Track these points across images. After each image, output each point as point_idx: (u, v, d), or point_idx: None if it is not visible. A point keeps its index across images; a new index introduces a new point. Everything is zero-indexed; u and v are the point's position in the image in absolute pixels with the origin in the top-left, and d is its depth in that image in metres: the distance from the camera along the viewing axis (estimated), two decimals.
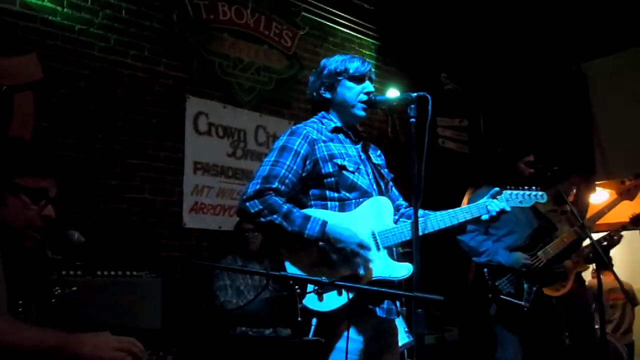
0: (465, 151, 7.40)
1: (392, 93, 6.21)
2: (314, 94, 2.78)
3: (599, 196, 6.26)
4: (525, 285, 3.98)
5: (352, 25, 6.47)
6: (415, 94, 2.48)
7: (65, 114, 4.31)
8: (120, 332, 1.76)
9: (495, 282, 4.02)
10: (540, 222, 4.24)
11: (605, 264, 4.05)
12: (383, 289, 2.40)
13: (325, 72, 2.74)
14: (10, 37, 4.11)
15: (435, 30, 6.91)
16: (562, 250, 4.18)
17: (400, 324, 4.21)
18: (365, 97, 2.68)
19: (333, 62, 2.74)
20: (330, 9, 6.22)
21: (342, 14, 6.34)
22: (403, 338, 4.16)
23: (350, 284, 2.33)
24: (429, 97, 2.44)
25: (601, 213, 4.41)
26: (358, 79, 2.70)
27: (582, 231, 4.09)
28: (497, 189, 2.73)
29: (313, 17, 6.11)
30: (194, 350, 1.73)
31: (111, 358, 1.54)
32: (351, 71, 2.69)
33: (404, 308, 4.44)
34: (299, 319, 1.88)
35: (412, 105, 2.46)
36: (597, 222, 4.50)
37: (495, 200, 2.68)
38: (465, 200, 4.30)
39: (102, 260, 3.91)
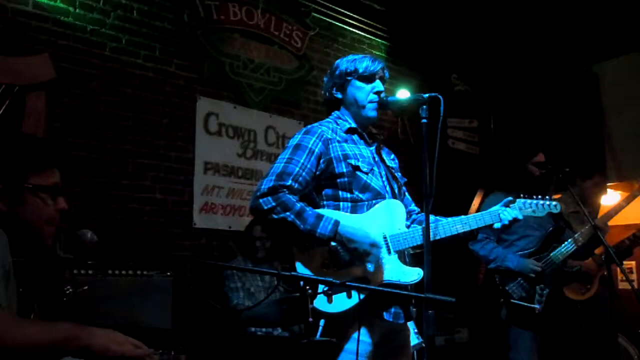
0: (476, 152, 7.38)
1: (403, 94, 6.20)
2: (327, 94, 2.80)
3: (610, 198, 6.23)
4: (537, 288, 3.97)
5: (362, 26, 6.47)
6: (427, 95, 2.48)
7: (76, 114, 4.34)
8: (131, 332, 1.77)
9: (506, 287, 4.00)
10: (555, 224, 4.20)
11: (618, 264, 4.01)
12: (394, 290, 2.40)
13: (337, 72, 2.75)
14: (22, 38, 4.14)
15: (445, 31, 6.89)
16: (576, 250, 4.14)
17: (410, 325, 4.21)
18: (375, 97, 2.68)
19: (344, 63, 2.75)
20: (341, 10, 6.22)
21: (352, 15, 6.33)
22: (413, 339, 4.15)
23: (361, 285, 2.34)
24: (441, 98, 2.43)
25: (615, 210, 4.37)
26: (368, 78, 2.70)
27: (595, 231, 4.04)
28: (510, 198, 2.72)
29: (323, 17, 6.11)
30: (205, 350, 1.73)
31: (122, 352, 1.55)
32: (360, 71, 2.69)
33: (414, 309, 4.44)
34: (310, 319, 1.88)
35: (424, 106, 2.46)
36: (613, 223, 4.47)
37: (508, 209, 2.67)
38: (475, 202, 4.30)
39: (113, 260, 3.93)
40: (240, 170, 5.25)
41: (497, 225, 2.64)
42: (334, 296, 2.32)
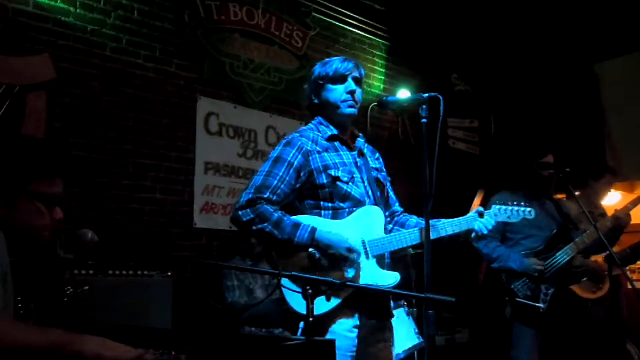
0: (476, 152, 7.38)
1: (403, 94, 6.21)
2: (307, 100, 2.86)
3: (610, 198, 6.22)
4: (542, 287, 3.97)
5: (363, 26, 6.47)
6: (427, 95, 2.49)
7: (77, 114, 4.34)
8: (131, 332, 1.77)
9: (512, 286, 4.00)
10: (562, 224, 4.19)
11: (618, 262, 4.00)
12: (392, 290, 2.40)
13: (312, 78, 2.82)
14: (23, 38, 4.14)
15: (446, 31, 6.89)
16: (584, 249, 4.13)
17: (410, 324, 4.22)
18: (349, 97, 2.71)
19: (317, 68, 2.82)
20: (341, 10, 6.22)
21: (353, 15, 6.34)
22: (413, 339, 4.17)
23: (359, 285, 2.34)
24: (441, 98, 2.44)
25: (633, 203, 4.38)
26: (339, 80, 2.73)
27: (598, 235, 4.02)
28: (481, 209, 2.75)
29: (324, 17, 6.11)
30: (206, 350, 1.73)
31: (115, 357, 1.55)
32: (331, 74, 2.73)
33: (414, 309, 4.45)
34: (311, 319, 1.89)
35: (424, 106, 2.48)
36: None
37: (482, 220, 2.70)
38: (476, 202, 4.29)
39: (114, 260, 3.93)
40: (241, 170, 5.25)
41: (473, 234, 2.69)
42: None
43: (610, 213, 4.56)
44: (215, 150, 5.08)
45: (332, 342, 1.75)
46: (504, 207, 2.83)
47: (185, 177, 4.88)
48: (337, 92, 2.72)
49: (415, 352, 4.30)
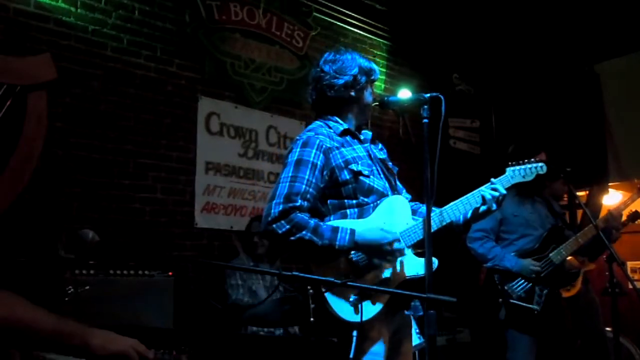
0: (477, 152, 7.38)
1: (404, 94, 6.20)
2: (332, 90, 2.68)
3: (612, 197, 6.23)
4: (536, 288, 3.95)
5: (364, 26, 6.47)
6: (428, 95, 2.47)
7: (78, 114, 4.34)
8: (133, 331, 1.77)
9: (505, 287, 3.99)
10: (555, 222, 4.19)
11: (619, 262, 3.98)
12: (395, 290, 2.40)
13: (356, 71, 2.67)
14: (24, 38, 4.14)
15: (447, 31, 6.89)
16: (576, 251, 4.13)
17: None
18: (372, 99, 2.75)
19: (362, 61, 2.71)
20: (342, 10, 6.23)
21: (354, 15, 6.34)
22: (414, 339, 4.15)
23: (363, 285, 2.34)
24: (442, 98, 2.43)
25: (625, 204, 4.37)
26: (373, 80, 2.76)
27: (596, 232, 4.01)
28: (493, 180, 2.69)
29: (324, 17, 6.11)
30: (207, 349, 1.74)
31: (119, 351, 1.55)
32: (372, 76, 2.74)
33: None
34: (311, 319, 1.88)
35: (425, 106, 2.46)
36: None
37: (489, 190, 2.62)
38: None
39: (115, 260, 3.93)
40: (242, 170, 5.25)
41: (484, 207, 2.61)
42: (359, 306, 2.33)
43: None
44: (216, 150, 5.09)
45: (332, 342, 1.75)
46: (517, 168, 2.77)
47: (186, 177, 4.88)
48: (370, 93, 2.74)
49: (416, 352, 4.30)
